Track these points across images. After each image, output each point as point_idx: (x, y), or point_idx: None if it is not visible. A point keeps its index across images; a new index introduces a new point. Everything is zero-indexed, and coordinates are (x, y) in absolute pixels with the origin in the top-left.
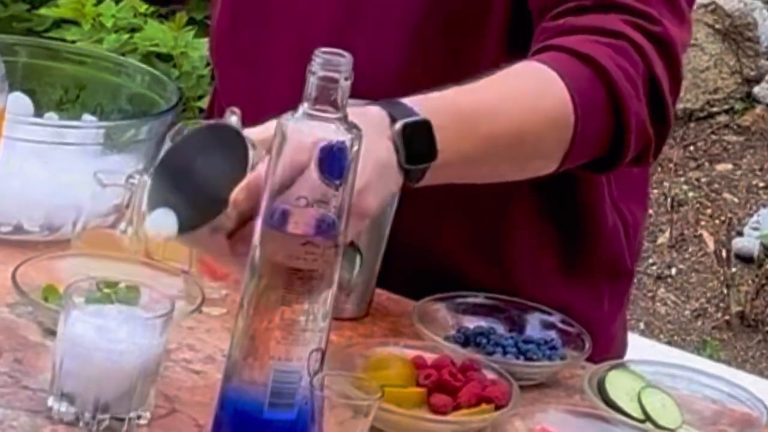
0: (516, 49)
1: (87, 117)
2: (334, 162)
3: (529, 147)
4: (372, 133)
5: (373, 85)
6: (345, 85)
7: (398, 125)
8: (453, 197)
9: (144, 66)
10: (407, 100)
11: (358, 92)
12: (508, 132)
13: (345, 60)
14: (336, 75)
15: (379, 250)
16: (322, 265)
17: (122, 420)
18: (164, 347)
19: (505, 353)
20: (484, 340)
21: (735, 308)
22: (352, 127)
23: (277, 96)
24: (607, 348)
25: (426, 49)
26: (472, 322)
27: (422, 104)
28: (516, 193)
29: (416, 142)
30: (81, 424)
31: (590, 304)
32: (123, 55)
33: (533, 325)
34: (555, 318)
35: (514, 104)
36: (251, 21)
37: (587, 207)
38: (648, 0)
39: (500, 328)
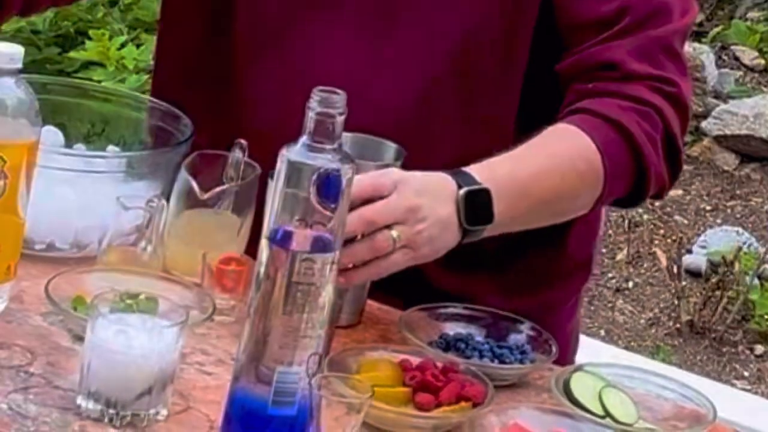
0: (529, 101)
1: (111, 148)
2: (330, 188)
3: (567, 203)
4: (440, 196)
5: (388, 119)
6: (340, 119)
7: (462, 191)
8: None
9: (161, 103)
10: (469, 169)
11: (374, 125)
12: (552, 193)
13: (339, 98)
14: (332, 111)
15: None
16: (320, 279)
17: (143, 416)
18: (180, 351)
19: (481, 357)
20: (463, 346)
21: (685, 317)
22: (345, 157)
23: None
24: (565, 348)
25: (441, 97)
26: (452, 330)
27: (483, 172)
28: None
29: (477, 207)
30: (106, 419)
31: (553, 307)
32: (143, 93)
33: (506, 333)
34: (525, 326)
35: (557, 169)
36: (265, 56)
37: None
38: (664, 66)
39: (477, 335)
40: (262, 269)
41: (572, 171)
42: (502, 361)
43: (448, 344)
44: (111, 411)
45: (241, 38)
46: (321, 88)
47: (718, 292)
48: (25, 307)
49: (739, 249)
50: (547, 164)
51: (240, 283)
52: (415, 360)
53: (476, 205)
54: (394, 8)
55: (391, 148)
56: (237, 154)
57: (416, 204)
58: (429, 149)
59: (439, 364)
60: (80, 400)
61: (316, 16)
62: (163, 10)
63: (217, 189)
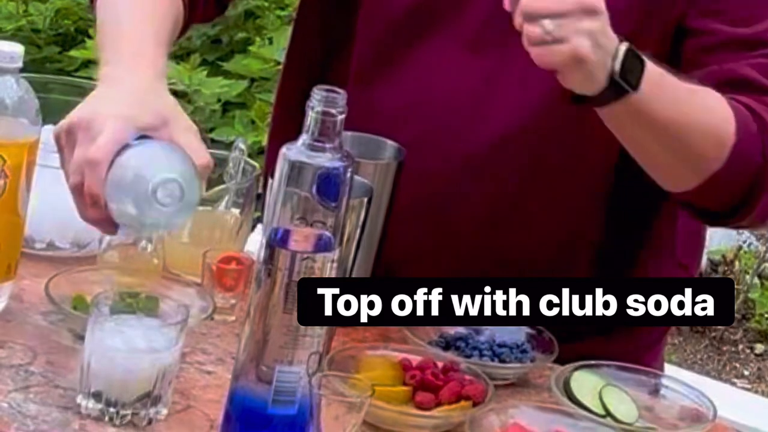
0: None
1: None
2: (330, 186)
3: (694, 140)
4: (606, 33)
5: (511, 134)
6: (340, 118)
7: (626, 44)
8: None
9: None
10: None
11: (498, 141)
12: (687, 116)
13: (340, 96)
14: (333, 110)
15: (368, 267)
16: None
17: (143, 415)
18: (180, 351)
19: (481, 356)
20: (463, 345)
21: None
22: (345, 156)
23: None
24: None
25: (560, 108)
26: (452, 328)
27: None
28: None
29: (631, 65)
30: (106, 418)
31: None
32: None
33: (506, 331)
34: (525, 325)
35: (700, 101)
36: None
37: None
38: None
39: (477, 334)
40: (263, 268)
41: (709, 113)
42: (502, 360)
43: (447, 343)
44: (111, 410)
45: (358, 61)
46: (321, 86)
47: None
48: (26, 306)
49: (740, 248)
50: (691, 93)
51: (240, 282)
52: (415, 359)
53: (629, 65)
54: (507, 21)
55: (391, 147)
56: (237, 154)
57: (591, 6)
58: (550, 162)
59: (439, 363)
60: (80, 399)
61: (432, 36)
62: (293, 31)
63: (218, 188)
